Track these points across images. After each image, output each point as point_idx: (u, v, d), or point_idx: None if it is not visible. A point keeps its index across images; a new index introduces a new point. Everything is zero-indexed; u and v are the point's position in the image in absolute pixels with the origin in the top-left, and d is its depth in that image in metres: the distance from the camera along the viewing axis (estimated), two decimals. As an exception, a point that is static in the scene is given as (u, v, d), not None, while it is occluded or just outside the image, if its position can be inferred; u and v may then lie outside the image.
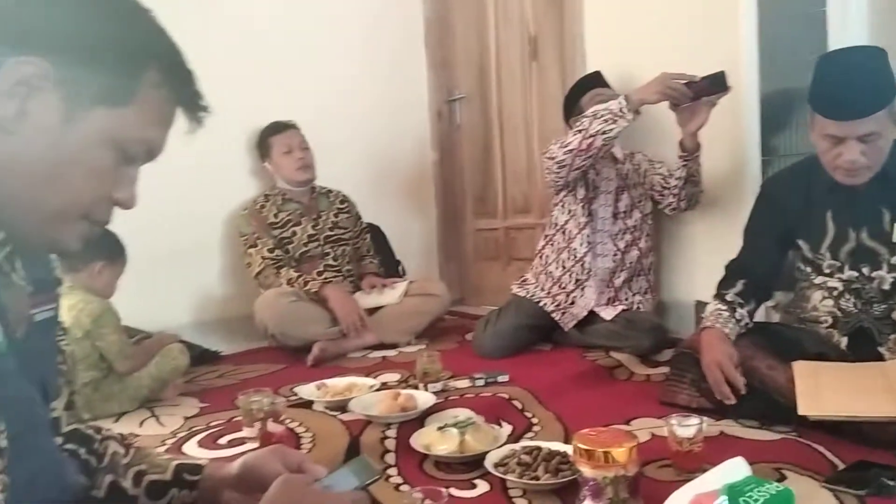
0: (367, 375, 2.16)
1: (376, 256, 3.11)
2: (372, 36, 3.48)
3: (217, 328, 2.93)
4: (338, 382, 2.04)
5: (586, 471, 1.19)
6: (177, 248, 2.84)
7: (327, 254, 2.90)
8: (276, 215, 2.88)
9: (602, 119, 2.21)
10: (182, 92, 0.77)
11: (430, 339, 2.75)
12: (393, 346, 2.65)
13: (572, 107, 2.58)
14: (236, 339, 2.88)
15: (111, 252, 1.95)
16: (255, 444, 1.59)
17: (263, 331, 2.60)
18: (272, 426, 1.57)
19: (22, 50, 0.67)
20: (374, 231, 3.25)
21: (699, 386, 1.66)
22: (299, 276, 2.71)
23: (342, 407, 1.85)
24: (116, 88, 0.71)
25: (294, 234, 2.87)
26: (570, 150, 2.28)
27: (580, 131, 2.26)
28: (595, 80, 2.57)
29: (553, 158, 2.35)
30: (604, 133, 2.21)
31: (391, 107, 3.56)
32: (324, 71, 3.27)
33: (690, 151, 2.28)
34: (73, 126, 0.70)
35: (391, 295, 2.79)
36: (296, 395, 2.01)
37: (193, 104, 0.78)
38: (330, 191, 3.07)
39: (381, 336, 2.65)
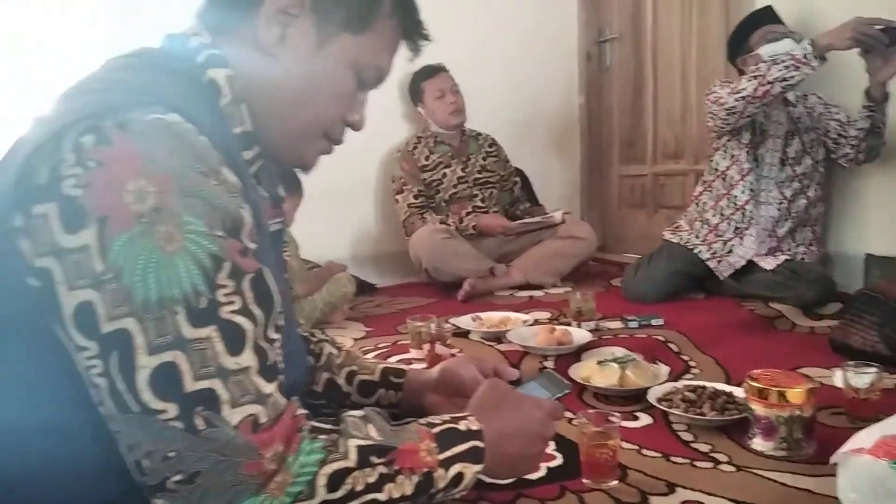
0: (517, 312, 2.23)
1: (525, 201, 3.16)
2: (521, -25, 3.44)
3: (372, 263, 3.12)
4: (492, 316, 2.14)
5: (759, 409, 1.20)
6: (336, 186, 3.01)
7: (475, 195, 2.98)
8: (427, 158, 2.98)
9: (783, 65, 2.08)
10: (408, 21, 0.83)
11: (574, 282, 2.78)
12: (538, 287, 2.71)
13: (738, 46, 2.44)
14: (389, 274, 3.06)
15: (291, 184, 2.12)
16: (424, 365, 1.72)
17: (418, 265, 2.73)
18: (440, 349, 1.69)
19: None
20: (519, 174, 3.28)
21: (882, 331, 1.60)
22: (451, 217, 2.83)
23: (498, 338, 1.95)
24: (358, 17, 0.78)
25: (444, 175, 2.97)
26: (743, 97, 2.18)
27: (756, 77, 2.14)
28: (766, 16, 2.41)
29: (722, 104, 2.25)
30: (783, 80, 2.09)
31: (538, 49, 3.53)
32: (470, 12, 3.28)
33: (878, 101, 2.12)
34: (323, 51, 0.78)
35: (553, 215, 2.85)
36: (452, 325, 2.12)
37: (417, 33, 0.85)
38: (479, 134, 3.13)
39: (527, 276, 2.71)
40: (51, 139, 0.62)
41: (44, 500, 0.68)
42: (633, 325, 2.03)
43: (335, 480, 0.65)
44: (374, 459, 0.68)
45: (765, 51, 2.26)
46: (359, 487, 0.66)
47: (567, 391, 1.00)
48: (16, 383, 0.66)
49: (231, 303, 0.63)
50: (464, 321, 2.09)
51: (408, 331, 1.88)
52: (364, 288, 2.77)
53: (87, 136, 0.61)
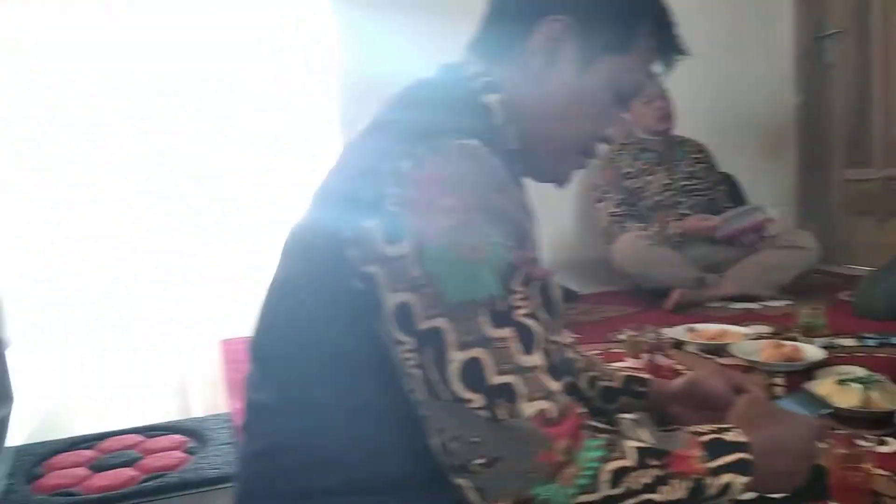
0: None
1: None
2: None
3: (570, 269, 3.13)
4: (707, 327, 2.07)
5: None
6: (536, 192, 3.08)
7: (680, 203, 2.89)
8: (630, 165, 2.94)
9: None
10: (667, 38, 0.87)
11: (794, 295, 2.59)
12: (754, 299, 2.57)
13: None
14: (588, 281, 3.05)
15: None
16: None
17: (621, 273, 2.71)
18: (661, 359, 1.67)
19: (551, 9, 0.82)
20: (727, 180, 3.13)
21: None
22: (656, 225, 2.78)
23: (716, 351, 1.89)
24: (620, 39, 0.83)
25: (648, 183, 2.91)
26: None
27: None
28: None
29: None
30: None
31: (748, 47, 3.36)
32: (678, 12, 3.18)
33: None
34: (587, 72, 0.84)
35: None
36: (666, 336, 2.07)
37: (674, 49, 0.88)
38: (686, 139, 3.03)
39: (742, 287, 2.59)
40: (373, 165, 0.74)
41: (347, 473, 0.79)
42: (872, 342, 1.88)
43: (616, 477, 0.69)
44: (651, 461, 0.71)
45: None
46: (636, 486, 0.70)
47: (828, 411, 0.96)
48: (336, 371, 0.78)
49: (524, 307, 0.70)
50: (678, 332, 2.05)
51: (623, 339, 1.88)
52: (568, 295, 2.80)
53: (404, 161, 0.72)
